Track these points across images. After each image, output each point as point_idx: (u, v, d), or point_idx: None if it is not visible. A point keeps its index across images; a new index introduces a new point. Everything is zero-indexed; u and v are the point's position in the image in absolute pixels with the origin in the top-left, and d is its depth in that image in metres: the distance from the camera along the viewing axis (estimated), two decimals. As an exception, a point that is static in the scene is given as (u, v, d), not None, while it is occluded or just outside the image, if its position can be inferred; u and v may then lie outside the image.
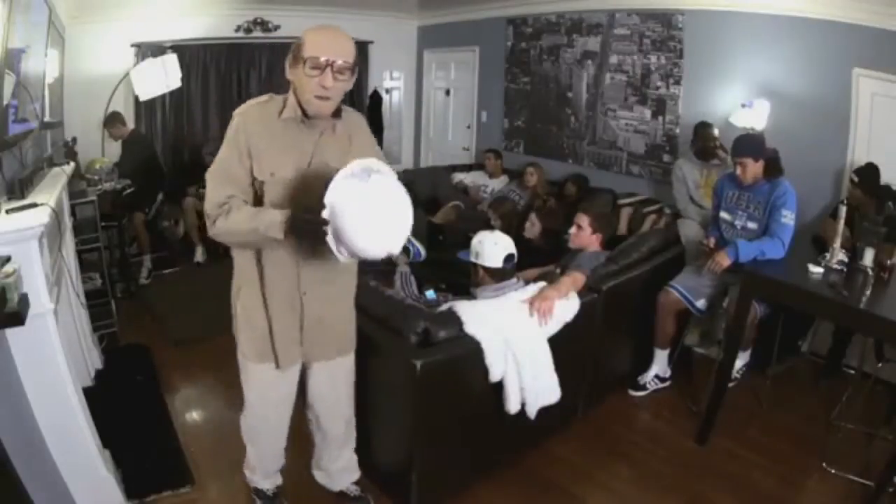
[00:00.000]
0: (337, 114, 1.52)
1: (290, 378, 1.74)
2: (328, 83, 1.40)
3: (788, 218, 2.50)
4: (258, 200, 1.52)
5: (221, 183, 1.50)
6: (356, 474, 2.04)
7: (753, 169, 2.58)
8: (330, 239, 1.40)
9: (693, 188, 3.41)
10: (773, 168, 2.60)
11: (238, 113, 1.51)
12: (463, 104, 5.88)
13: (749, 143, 2.60)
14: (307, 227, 1.38)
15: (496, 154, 4.90)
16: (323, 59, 1.38)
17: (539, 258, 2.89)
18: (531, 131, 5.10)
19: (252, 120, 1.49)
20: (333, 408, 1.85)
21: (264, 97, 1.54)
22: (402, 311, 2.01)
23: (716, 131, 3.36)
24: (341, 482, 2.03)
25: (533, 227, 3.12)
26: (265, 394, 1.75)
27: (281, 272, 1.58)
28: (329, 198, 1.36)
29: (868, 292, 2.07)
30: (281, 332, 1.63)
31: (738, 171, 2.60)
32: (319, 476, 2.05)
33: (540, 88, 4.92)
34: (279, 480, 2.01)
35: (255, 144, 1.48)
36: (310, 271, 1.59)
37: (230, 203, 1.48)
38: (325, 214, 1.36)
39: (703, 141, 3.36)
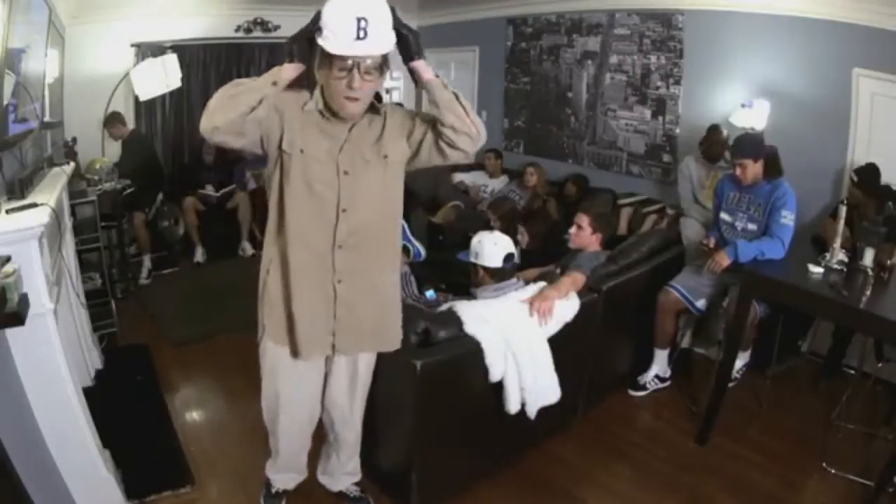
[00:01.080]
0: (373, 109, 1.48)
1: (312, 370, 1.67)
2: (356, 84, 1.32)
3: (788, 218, 2.50)
4: (280, 178, 1.48)
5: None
6: (357, 476, 2.04)
7: (753, 169, 2.58)
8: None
9: (697, 188, 3.41)
10: (773, 167, 2.60)
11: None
12: (463, 104, 5.87)
13: (748, 144, 2.60)
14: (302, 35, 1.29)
15: (497, 154, 4.90)
16: (349, 61, 1.29)
17: (534, 261, 2.90)
18: (531, 131, 5.10)
19: (287, 97, 1.44)
20: (348, 412, 1.81)
21: (292, 90, 1.46)
22: (402, 312, 2.01)
23: (725, 133, 3.36)
24: (342, 483, 2.03)
25: (523, 238, 3.16)
26: (277, 376, 1.67)
27: (316, 257, 1.51)
28: None
29: (868, 292, 2.07)
30: (309, 321, 1.56)
31: (738, 172, 2.60)
32: (323, 478, 2.05)
33: (540, 88, 4.92)
34: (289, 486, 1.95)
35: (288, 117, 1.44)
36: (347, 258, 1.52)
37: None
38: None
39: (710, 144, 3.35)
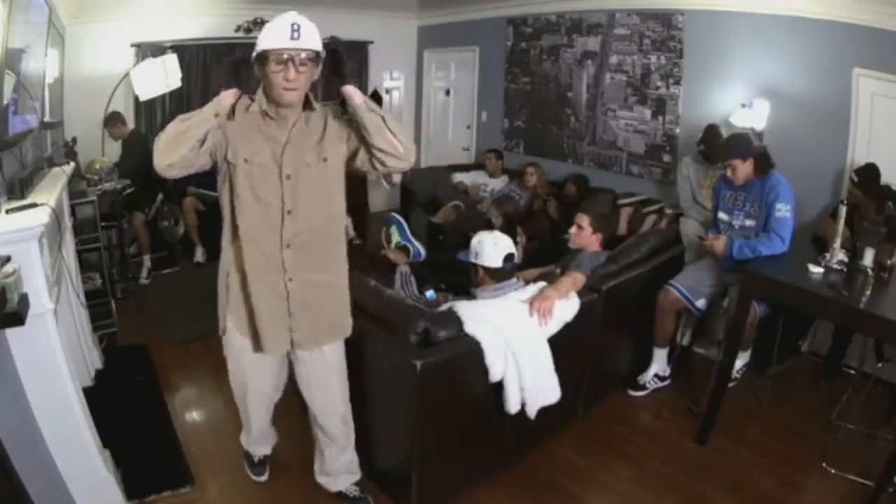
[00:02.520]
0: (308, 106, 1.60)
1: (272, 361, 1.80)
2: (291, 76, 1.47)
3: (783, 211, 2.49)
4: (229, 188, 1.61)
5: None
6: (357, 475, 2.04)
7: (743, 169, 2.58)
8: None
9: (696, 188, 3.41)
10: (764, 164, 2.60)
11: (214, 101, 1.56)
12: (463, 104, 5.88)
13: (736, 145, 2.61)
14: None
15: (497, 154, 4.90)
16: (285, 55, 1.45)
17: (534, 261, 2.90)
18: (531, 131, 5.10)
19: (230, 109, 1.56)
20: (327, 404, 1.87)
21: (240, 95, 1.60)
22: (402, 311, 2.01)
23: (724, 135, 3.35)
24: (341, 483, 2.04)
25: (521, 238, 3.18)
26: (243, 366, 1.81)
27: (266, 257, 1.62)
28: None
29: (868, 292, 2.07)
30: (268, 319, 1.66)
31: (729, 173, 2.62)
32: (321, 478, 2.06)
33: (540, 88, 4.92)
34: (267, 451, 2.17)
35: (231, 130, 1.57)
36: (295, 256, 1.63)
37: None
38: None
39: (708, 146, 3.35)
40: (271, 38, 1.45)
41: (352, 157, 1.66)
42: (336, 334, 1.80)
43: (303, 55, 1.46)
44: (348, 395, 1.90)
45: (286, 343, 1.71)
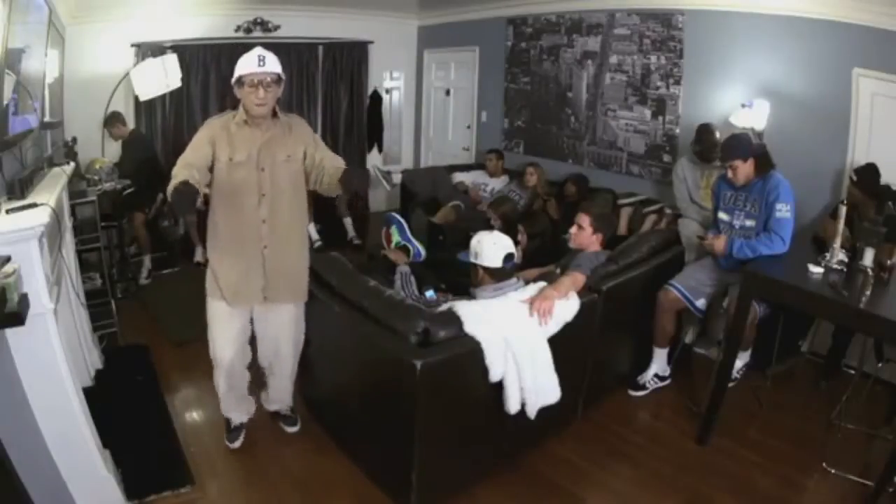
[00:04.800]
0: (275, 115, 2.08)
1: (239, 317, 2.21)
2: (261, 95, 1.96)
3: (783, 211, 2.50)
4: (220, 179, 2.03)
5: (186, 159, 1.98)
6: (290, 399, 2.51)
7: (744, 169, 2.58)
8: None
9: (693, 188, 3.41)
10: (764, 164, 2.60)
11: (206, 124, 2.09)
12: (463, 104, 5.88)
13: (736, 146, 2.61)
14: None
15: (498, 154, 4.90)
16: (255, 80, 1.94)
17: (534, 261, 2.89)
18: (531, 131, 5.10)
19: (216, 127, 2.05)
20: (284, 347, 2.30)
21: (222, 114, 2.12)
22: (402, 311, 2.01)
23: (717, 135, 3.36)
24: (279, 404, 2.51)
25: (522, 238, 3.18)
26: (222, 327, 2.20)
27: (248, 230, 2.08)
28: None
29: (868, 292, 2.07)
30: (246, 281, 2.12)
31: (730, 174, 2.62)
32: (264, 400, 2.53)
33: (540, 88, 4.92)
34: (243, 419, 2.43)
35: (218, 141, 2.02)
36: (270, 230, 2.09)
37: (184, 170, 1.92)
38: None
39: (703, 145, 3.35)
40: (244, 66, 1.95)
41: (303, 162, 2.15)
42: (297, 296, 2.25)
43: (268, 79, 1.95)
44: (301, 345, 2.35)
45: (259, 298, 2.16)
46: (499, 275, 2.28)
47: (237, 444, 2.39)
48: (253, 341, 2.33)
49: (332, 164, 2.10)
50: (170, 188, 1.75)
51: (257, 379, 2.46)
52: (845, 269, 2.25)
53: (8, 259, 1.51)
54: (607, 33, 4.27)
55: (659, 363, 2.87)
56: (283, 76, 2.01)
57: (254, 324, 2.28)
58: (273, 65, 1.96)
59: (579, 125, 4.64)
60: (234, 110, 2.07)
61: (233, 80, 2.00)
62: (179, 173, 1.83)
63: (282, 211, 2.10)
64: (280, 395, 2.48)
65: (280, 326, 2.27)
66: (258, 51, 1.96)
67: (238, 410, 2.39)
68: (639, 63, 4.10)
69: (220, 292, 2.15)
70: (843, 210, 2.29)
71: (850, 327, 2.65)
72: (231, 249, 2.11)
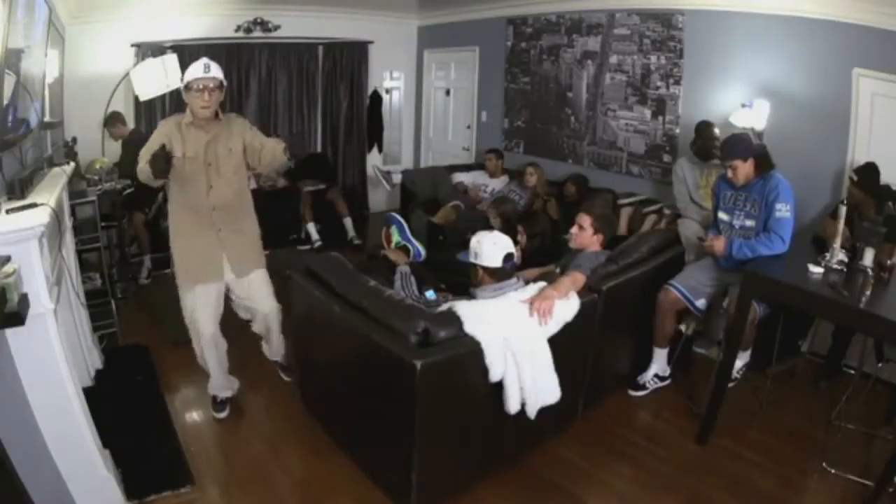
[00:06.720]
0: (217, 117, 2.36)
1: (217, 294, 2.46)
2: (206, 98, 2.25)
3: (783, 211, 2.50)
4: (176, 174, 2.28)
5: (150, 149, 2.21)
6: (283, 349, 2.84)
7: (744, 169, 2.58)
8: None
9: (693, 188, 3.41)
10: (764, 163, 2.60)
11: (162, 122, 2.40)
12: (463, 104, 5.88)
13: (736, 146, 2.60)
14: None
15: (498, 154, 4.90)
16: (201, 85, 2.24)
17: (534, 261, 2.89)
18: (531, 131, 5.10)
19: (170, 124, 2.35)
20: (263, 302, 2.57)
21: (176, 114, 2.41)
22: (402, 311, 2.01)
23: (717, 131, 3.36)
24: (276, 354, 2.84)
25: (522, 237, 3.18)
26: (201, 304, 2.41)
27: (201, 217, 2.38)
28: None
29: (868, 292, 2.07)
30: (207, 260, 2.40)
31: (730, 174, 2.61)
32: (265, 350, 2.86)
33: (540, 88, 4.92)
34: (228, 394, 2.66)
35: (173, 137, 2.30)
36: (220, 215, 2.40)
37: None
38: None
39: (703, 140, 3.36)
40: (192, 73, 2.24)
41: (244, 150, 2.43)
42: (256, 265, 2.55)
43: (211, 84, 2.24)
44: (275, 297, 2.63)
45: (224, 273, 2.44)
46: (499, 275, 2.28)
47: (224, 414, 2.62)
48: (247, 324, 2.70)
49: (270, 143, 2.39)
50: (141, 163, 2.15)
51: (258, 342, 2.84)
52: (845, 269, 2.25)
53: (8, 259, 1.51)
54: (607, 33, 4.27)
55: (659, 363, 2.87)
56: (226, 83, 2.33)
57: (233, 294, 2.57)
58: (217, 72, 2.27)
59: (579, 125, 4.64)
60: (182, 113, 2.38)
61: (181, 85, 2.31)
62: (145, 157, 2.17)
63: (228, 196, 2.41)
64: (277, 346, 2.81)
65: (255, 289, 2.56)
66: (204, 60, 2.28)
67: (225, 387, 2.64)
68: (639, 63, 4.10)
69: (187, 275, 2.42)
70: (843, 210, 2.29)
71: (850, 327, 2.65)
72: (190, 233, 2.41)
